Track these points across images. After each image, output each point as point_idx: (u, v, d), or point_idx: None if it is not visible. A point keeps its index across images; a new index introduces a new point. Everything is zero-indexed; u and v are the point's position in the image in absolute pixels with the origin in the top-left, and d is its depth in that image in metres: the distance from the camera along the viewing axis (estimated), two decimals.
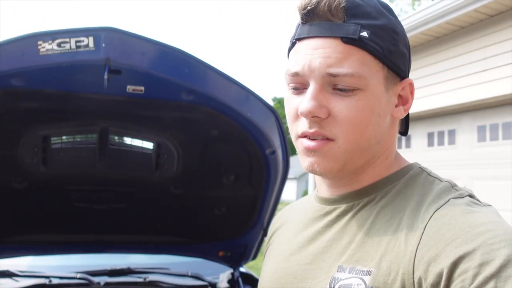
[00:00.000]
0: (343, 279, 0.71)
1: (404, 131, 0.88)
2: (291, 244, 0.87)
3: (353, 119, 0.72)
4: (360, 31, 0.71)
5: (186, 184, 2.31)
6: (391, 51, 0.74)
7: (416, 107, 5.55)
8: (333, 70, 0.71)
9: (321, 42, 0.73)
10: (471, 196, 0.72)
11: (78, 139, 1.94)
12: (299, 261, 0.81)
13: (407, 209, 0.72)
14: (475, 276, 0.58)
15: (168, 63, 1.66)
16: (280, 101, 43.50)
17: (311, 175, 7.63)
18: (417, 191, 0.75)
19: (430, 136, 5.75)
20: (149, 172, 2.17)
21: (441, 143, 5.57)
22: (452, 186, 0.74)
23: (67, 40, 1.52)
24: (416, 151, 5.88)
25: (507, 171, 4.60)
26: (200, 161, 2.21)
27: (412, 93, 0.79)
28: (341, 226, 0.78)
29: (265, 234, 2.68)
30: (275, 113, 2.06)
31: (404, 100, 0.80)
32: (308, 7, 0.74)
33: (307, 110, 0.72)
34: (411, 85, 0.79)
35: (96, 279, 2.47)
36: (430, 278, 0.62)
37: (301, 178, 31.36)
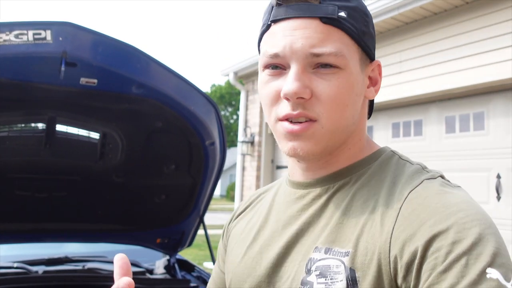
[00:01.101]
0: (319, 260, 0.71)
1: (368, 114, 0.87)
2: (263, 229, 0.85)
3: (335, 97, 0.72)
4: (338, 11, 0.72)
5: (128, 173, 2.42)
6: (364, 32, 0.75)
7: (379, 97, 4.96)
8: (317, 50, 0.70)
9: (299, 22, 0.72)
10: (442, 177, 0.74)
11: (25, 128, 1.99)
12: (274, 246, 0.80)
13: (382, 191, 0.73)
14: (447, 253, 0.60)
15: (121, 58, 1.78)
16: (217, 87, 42.89)
17: (238, 170, 7.80)
18: (390, 173, 0.76)
19: (395, 126, 5.48)
20: (93, 161, 2.25)
21: (407, 134, 5.32)
22: (423, 168, 0.76)
23: (25, 32, 1.59)
24: (379, 142, 5.42)
25: (476, 162, 4.52)
26: (143, 151, 2.33)
27: (380, 74, 0.81)
28: (316, 209, 0.78)
29: (201, 221, 2.84)
30: (215, 106, 2.24)
31: (373, 81, 0.81)
32: None
33: (292, 91, 0.70)
34: (379, 66, 0.81)
35: (34, 268, 2.49)
36: (405, 257, 0.63)
37: (226, 172, 31.35)
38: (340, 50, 0.71)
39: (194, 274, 3.00)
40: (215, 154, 2.46)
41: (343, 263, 0.68)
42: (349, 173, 0.79)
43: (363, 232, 0.69)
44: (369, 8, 4.79)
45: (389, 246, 0.66)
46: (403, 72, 5.05)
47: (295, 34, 0.72)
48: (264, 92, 0.77)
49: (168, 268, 2.97)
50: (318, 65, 0.72)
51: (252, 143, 7.36)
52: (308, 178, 0.82)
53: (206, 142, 2.35)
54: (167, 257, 3.01)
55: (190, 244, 3.01)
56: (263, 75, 0.77)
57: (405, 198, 0.69)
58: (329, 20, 0.71)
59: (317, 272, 0.70)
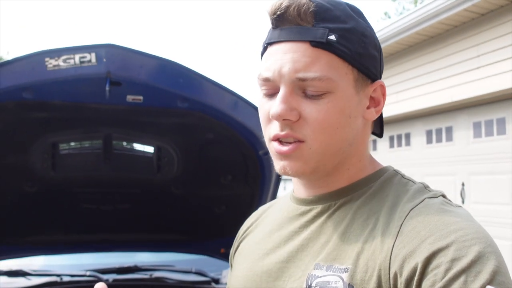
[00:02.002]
0: (320, 277, 0.72)
1: (379, 133, 0.88)
2: (266, 243, 0.87)
3: (323, 121, 0.73)
4: (328, 35, 0.72)
5: (186, 185, 2.47)
6: (360, 54, 0.75)
7: (415, 105, 5.64)
8: (301, 75, 0.72)
9: (290, 46, 0.74)
10: (443, 196, 0.75)
11: (84, 145, 2.11)
12: (275, 260, 0.81)
13: (383, 209, 0.73)
14: (447, 270, 0.60)
15: (164, 74, 1.82)
16: None
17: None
18: (392, 192, 0.76)
19: (429, 133, 5.84)
20: (152, 174, 2.33)
21: (439, 140, 5.67)
22: (425, 187, 0.77)
23: (72, 56, 1.68)
24: (415, 149, 5.99)
25: (502, 165, 4.70)
26: (198, 163, 2.36)
27: (383, 94, 0.80)
28: (317, 226, 0.79)
29: None
30: None
31: (376, 102, 0.80)
32: (278, 12, 0.75)
33: (277, 113, 0.73)
34: (382, 87, 0.80)
35: (104, 277, 2.63)
36: (405, 273, 0.64)
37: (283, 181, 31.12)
38: (325, 74, 0.72)
39: None
40: (270, 164, 2.42)
41: (342, 279, 0.69)
42: (351, 191, 0.80)
43: (363, 249, 0.70)
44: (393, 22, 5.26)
45: (389, 263, 0.66)
46: (434, 81, 5.43)
47: (284, 58, 0.74)
48: (260, 112, 0.82)
49: None
50: (306, 90, 0.74)
51: None
52: (310, 195, 0.84)
53: (260, 152, 2.33)
54: None
55: None
56: (260, 96, 0.81)
57: (406, 216, 0.70)
58: (318, 44, 0.73)
59: None
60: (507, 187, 4.64)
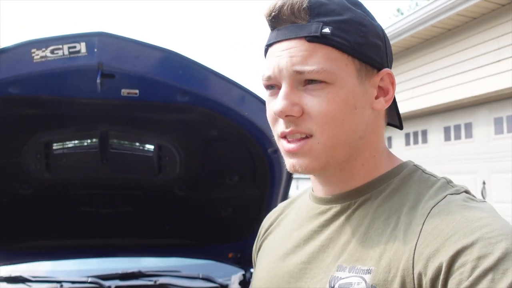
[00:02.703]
0: (343, 278, 0.71)
1: (398, 124, 0.87)
2: (287, 243, 0.87)
3: (326, 112, 0.73)
4: (323, 28, 0.73)
5: (190, 186, 2.32)
6: (360, 43, 0.74)
7: (431, 101, 5.44)
8: (299, 68, 0.73)
9: (287, 44, 0.75)
10: (467, 192, 0.73)
11: (79, 144, 1.97)
12: (296, 260, 0.81)
13: (404, 207, 0.72)
14: (473, 268, 0.59)
15: (162, 65, 1.67)
16: None
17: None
18: (413, 189, 0.75)
19: (447, 130, 5.66)
20: (152, 174, 2.18)
21: (458, 137, 5.49)
22: (448, 182, 0.75)
23: (60, 46, 1.54)
24: (433, 146, 5.79)
25: None
26: (202, 162, 2.21)
27: (392, 83, 0.79)
28: (338, 226, 0.78)
29: None
30: None
31: (384, 91, 0.79)
32: (273, 13, 0.76)
33: (279, 110, 0.74)
34: (389, 75, 0.78)
35: (107, 283, 2.49)
36: (430, 273, 0.63)
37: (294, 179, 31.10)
38: (323, 67, 0.72)
39: None
40: (280, 162, 2.26)
41: (364, 280, 0.69)
42: (370, 189, 0.79)
43: (385, 249, 0.70)
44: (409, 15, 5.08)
45: (413, 263, 0.66)
46: (453, 75, 5.25)
47: (282, 55, 0.75)
48: (267, 112, 0.82)
49: (244, 283, 2.83)
50: (306, 82, 0.74)
51: None
52: (328, 193, 0.83)
53: (268, 150, 2.16)
54: (243, 271, 2.87)
55: None
56: (266, 96, 0.82)
57: (428, 214, 0.69)
58: (314, 38, 0.73)
59: None
60: None
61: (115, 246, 2.52)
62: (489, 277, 0.58)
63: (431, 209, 0.69)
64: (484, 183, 4.91)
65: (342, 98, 0.73)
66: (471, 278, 0.59)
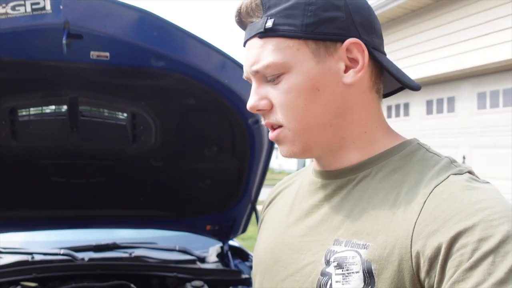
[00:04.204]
0: (339, 252, 0.72)
1: (415, 85, 0.81)
2: (288, 216, 0.88)
3: (286, 102, 0.75)
4: (266, 22, 0.74)
5: (167, 157, 2.22)
6: (309, 24, 0.73)
7: (414, 74, 5.39)
8: (255, 67, 0.76)
9: (248, 44, 0.78)
10: (470, 172, 0.72)
11: (46, 111, 1.85)
12: (295, 233, 0.82)
13: (405, 185, 0.72)
14: (474, 250, 0.59)
15: (135, 26, 1.55)
16: None
17: None
18: (416, 167, 0.74)
19: (429, 104, 5.63)
20: (126, 144, 2.08)
21: (440, 110, 5.46)
22: (452, 162, 0.74)
23: (22, 2, 1.40)
24: (414, 119, 5.77)
25: (507, 139, 4.50)
26: (179, 132, 2.11)
27: (361, 52, 0.75)
28: (337, 201, 0.79)
29: (253, 207, 2.61)
30: None
31: (354, 62, 0.76)
32: (236, 18, 0.80)
33: (249, 106, 0.78)
34: (356, 44, 0.75)
35: (80, 255, 2.41)
36: (428, 252, 0.63)
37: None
38: (272, 60, 0.74)
39: (248, 263, 2.79)
40: (261, 133, 2.18)
41: (360, 254, 0.69)
42: (370, 165, 0.78)
43: (383, 225, 0.70)
44: None
45: (411, 241, 0.65)
46: (436, 49, 5.15)
47: (245, 56, 0.79)
48: None
49: (221, 256, 2.78)
50: (266, 78, 0.77)
51: None
52: (328, 169, 0.83)
53: (249, 120, 2.07)
54: (220, 244, 2.82)
55: (243, 231, 2.81)
56: None
57: (430, 193, 0.68)
58: (262, 34, 0.75)
59: (335, 263, 0.71)
60: (510, 162, 4.44)
61: (89, 217, 2.43)
62: (489, 259, 0.58)
63: (433, 189, 0.68)
64: (464, 157, 4.92)
65: (299, 84, 0.74)
66: (471, 260, 0.59)
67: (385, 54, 0.81)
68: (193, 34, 1.65)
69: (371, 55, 0.76)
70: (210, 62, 1.75)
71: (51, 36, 1.46)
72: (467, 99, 4.98)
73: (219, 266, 2.71)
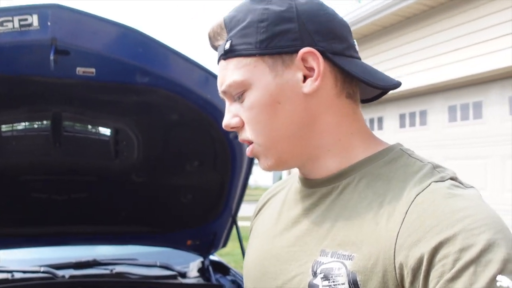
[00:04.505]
0: (325, 263, 0.72)
1: (387, 85, 0.79)
2: (276, 225, 0.87)
3: (250, 119, 0.77)
4: (225, 45, 0.77)
5: (149, 172, 2.25)
6: (262, 40, 0.75)
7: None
8: (221, 88, 0.79)
9: (218, 66, 0.81)
10: (452, 178, 0.71)
11: (30, 126, 1.86)
12: (282, 243, 0.82)
13: (389, 192, 0.72)
14: (455, 261, 0.59)
15: (120, 42, 1.59)
16: None
17: None
18: (398, 174, 0.74)
19: (402, 117, 5.75)
20: (109, 159, 2.10)
21: (412, 124, 5.59)
22: (435, 167, 0.73)
23: (10, 18, 1.43)
24: (388, 132, 5.91)
25: (477, 150, 4.66)
26: (162, 147, 2.14)
27: (316, 59, 0.75)
28: (323, 209, 0.78)
29: (233, 221, 2.64)
30: None
31: (313, 71, 0.76)
32: (209, 42, 0.83)
33: (223, 124, 0.81)
34: (309, 52, 0.75)
35: (60, 272, 2.39)
36: (411, 263, 0.63)
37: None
38: (234, 79, 0.76)
39: (229, 278, 2.81)
40: (242, 148, 2.23)
41: (345, 266, 0.69)
42: (353, 172, 0.78)
43: (367, 235, 0.69)
44: (371, 5, 5.17)
45: (394, 252, 0.65)
46: (409, 63, 5.26)
47: (217, 78, 0.82)
48: None
49: (202, 271, 2.79)
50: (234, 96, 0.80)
51: None
52: (311, 177, 0.83)
53: (230, 135, 2.12)
54: (201, 259, 2.83)
55: (224, 245, 2.83)
56: None
57: (411, 203, 0.68)
58: (224, 56, 0.78)
59: (322, 275, 0.71)
60: (482, 172, 4.59)
61: (69, 234, 2.41)
62: (471, 269, 0.58)
63: (415, 198, 0.68)
64: None
65: (260, 100, 0.76)
66: (453, 270, 0.59)
67: (355, 58, 0.80)
68: (177, 51, 1.70)
69: (330, 61, 0.76)
70: (193, 78, 1.80)
71: (38, 52, 1.49)
72: (438, 112, 5.11)
73: (200, 281, 2.72)
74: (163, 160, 2.20)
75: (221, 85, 0.79)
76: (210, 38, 0.82)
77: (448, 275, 0.59)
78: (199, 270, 2.79)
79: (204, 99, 1.87)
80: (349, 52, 0.79)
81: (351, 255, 0.69)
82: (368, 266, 0.67)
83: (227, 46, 0.77)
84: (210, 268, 2.76)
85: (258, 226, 0.96)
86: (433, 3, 4.76)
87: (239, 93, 0.77)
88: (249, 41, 0.75)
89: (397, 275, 0.64)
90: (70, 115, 1.86)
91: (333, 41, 0.77)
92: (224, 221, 2.60)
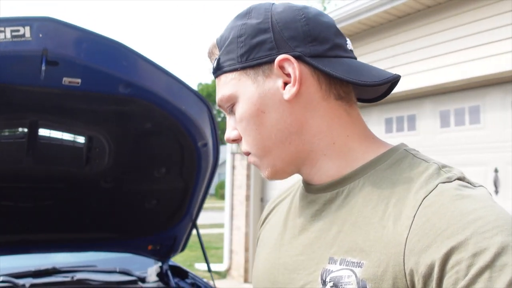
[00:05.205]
0: (334, 271, 0.70)
1: (371, 82, 0.75)
2: (282, 233, 0.86)
3: (242, 130, 0.80)
4: (214, 63, 0.81)
5: (117, 178, 2.30)
6: (243, 54, 0.77)
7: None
8: (218, 103, 0.83)
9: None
10: (460, 178, 0.69)
11: (6, 134, 1.86)
12: (290, 252, 0.81)
13: (394, 195, 0.70)
14: (469, 267, 0.57)
15: (106, 55, 1.66)
16: (204, 86, 44.70)
17: (228, 169, 7.68)
18: (404, 176, 0.72)
19: (388, 122, 5.37)
20: (79, 166, 2.13)
21: (400, 129, 5.21)
22: (441, 168, 0.71)
23: (2, 29, 1.46)
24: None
25: (473, 157, 4.41)
26: (132, 154, 2.21)
27: (290, 65, 0.75)
28: (329, 216, 0.77)
29: (193, 226, 2.73)
30: (208, 105, 2.13)
31: (289, 77, 0.76)
32: (210, 61, 0.85)
33: (225, 138, 0.84)
34: (285, 59, 0.75)
35: (21, 281, 2.37)
36: (422, 269, 0.61)
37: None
38: (223, 94, 0.80)
39: (188, 281, 2.89)
40: (207, 155, 2.35)
41: (355, 273, 0.67)
42: (357, 176, 0.76)
43: (375, 241, 0.67)
44: (359, 3, 4.91)
45: (403, 258, 0.63)
46: (396, 66, 4.94)
47: None
48: None
49: (161, 275, 2.85)
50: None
51: None
52: (313, 182, 0.82)
53: (199, 143, 2.24)
54: (159, 264, 2.89)
55: (183, 250, 2.91)
56: None
57: (419, 206, 0.65)
58: (215, 74, 0.82)
59: (331, 284, 0.69)
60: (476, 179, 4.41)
61: (32, 242, 2.40)
62: (486, 275, 0.56)
63: (422, 201, 0.65)
64: None
65: (246, 111, 0.77)
66: (467, 278, 0.57)
67: (343, 57, 0.78)
68: (159, 65, 1.80)
69: (308, 64, 0.75)
70: (170, 90, 1.90)
71: (28, 62, 1.54)
72: (429, 117, 4.87)
73: (160, 285, 2.78)
74: (132, 167, 2.26)
75: (218, 102, 0.83)
76: (209, 58, 0.85)
77: (462, 283, 0.57)
78: (158, 275, 2.86)
79: (178, 109, 1.97)
80: (334, 52, 0.77)
81: (360, 262, 0.67)
82: (378, 273, 0.65)
83: (215, 64, 0.81)
84: (169, 273, 2.83)
85: (265, 235, 0.94)
86: (428, 2, 4.54)
87: (229, 107, 0.80)
88: (232, 57, 0.78)
89: (408, 282, 0.63)
90: (47, 122, 1.89)
91: (312, 44, 0.75)
92: (184, 225, 2.68)
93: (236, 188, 7.42)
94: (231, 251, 7.38)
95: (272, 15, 0.77)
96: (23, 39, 1.49)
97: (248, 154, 0.82)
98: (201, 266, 7.62)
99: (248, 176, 7.21)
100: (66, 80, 1.65)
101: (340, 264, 0.70)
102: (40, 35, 1.51)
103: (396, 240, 0.65)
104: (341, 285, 0.68)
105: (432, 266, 0.60)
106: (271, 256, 0.86)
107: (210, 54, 0.84)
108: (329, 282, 0.70)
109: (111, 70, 1.69)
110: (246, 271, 7.00)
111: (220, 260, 8.08)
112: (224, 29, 0.82)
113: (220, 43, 0.81)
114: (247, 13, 0.80)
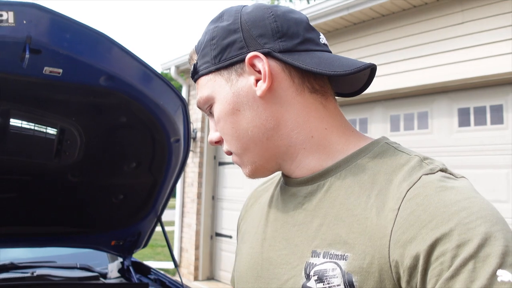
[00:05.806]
0: (318, 264, 0.70)
1: (343, 71, 0.74)
2: (264, 227, 0.86)
3: (221, 130, 0.81)
4: (192, 67, 0.84)
5: (85, 172, 2.25)
6: (216, 56, 0.79)
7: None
8: (198, 105, 0.85)
9: None
10: (442, 170, 0.69)
11: None
12: (273, 247, 0.80)
13: (376, 187, 0.70)
14: (453, 258, 0.58)
15: (91, 46, 1.63)
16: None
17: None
18: (385, 167, 0.72)
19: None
20: (48, 159, 2.07)
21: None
22: (422, 160, 0.71)
23: None
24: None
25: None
26: (104, 148, 2.17)
27: (260, 61, 0.76)
28: (310, 209, 0.77)
29: (158, 221, 2.71)
30: (184, 102, 2.13)
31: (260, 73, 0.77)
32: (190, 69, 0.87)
33: (208, 140, 0.86)
34: (254, 56, 0.76)
35: None
36: (407, 261, 0.61)
37: None
38: (201, 96, 0.82)
39: (151, 276, 2.87)
40: (179, 151, 2.34)
41: (339, 266, 0.67)
42: (339, 169, 0.76)
43: (359, 233, 0.67)
44: (317, 7, 4.98)
45: (389, 250, 0.64)
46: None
47: None
48: None
49: (123, 271, 2.81)
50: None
51: (194, 139, 7.21)
52: (294, 176, 0.82)
53: (172, 138, 2.23)
54: (120, 259, 2.85)
55: (145, 245, 2.88)
56: None
57: (403, 198, 0.65)
58: (193, 78, 0.84)
59: (315, 277, 0.69)
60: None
61: None
62: (470, 265, 0.57)
63: (406, 193, 0.66)
64: None
65: (222, 111, 0.79)
66: (452, 268, 0.57)
67: (314, 50, 0.78)
68: (141, 59, 1.78)
69: (278, 60, 0.76)
70: (150, 85, 1.89)
71: (8, 48, 1.48)
72: (380, 121, 4.98)
73: (123, 281, 2.75)
74: (102, 160, 2.22)
75: (196, 103, 0.85)
76: (189, 63, 0.87)
77: (447, 274, 0.58)
78: (120, 271, 2.81)
79: (156, 104, 1.96)
80: (304, 47, 0.77)
81: (344, 255, 0.67)
82: (364, 266, 0.65)
83: (192, 68, 0.83)
84: (131, 268, 2.80)
85: (247, 229, 0.93)
86: (382, 10, 4.63)
87: (208, 108, 0.83)
88: (207, 60, 0.80)
89: (393, 274, 0.63)
90: (19, 112, 1.82)
91: (281, 40, 0.76)
92: (149, 221, 2.66)
93: (188, 186, 7.37)
94: (181, 249, 7.32)
95: (242, 15, 0.79)
96: (6, 24, 1.44)
97: (230, 154, 0.83)
98: (150, 264, 7.51)
99: (200, 174, 7.18)
100: (47, 70, 1.60)
101: (324, 257, 0.69)
102: (24, 21, 1.46)
103: (381, 233, 0.65)
104: (326, 279, 0.67)
105: (417, 258, 0.60)
106: (253, 251, 0.85)
107: (190, 60, 0.86)
108: (314, 275, 0.69)
109: (94, 62, 1.66)
110: (196, 268, 6.97)
111: (168, 258, 8.00)
112: (202, 36, 0.84)
113: (197, 48, 0.83)
114: (219, 17, 0.82)
